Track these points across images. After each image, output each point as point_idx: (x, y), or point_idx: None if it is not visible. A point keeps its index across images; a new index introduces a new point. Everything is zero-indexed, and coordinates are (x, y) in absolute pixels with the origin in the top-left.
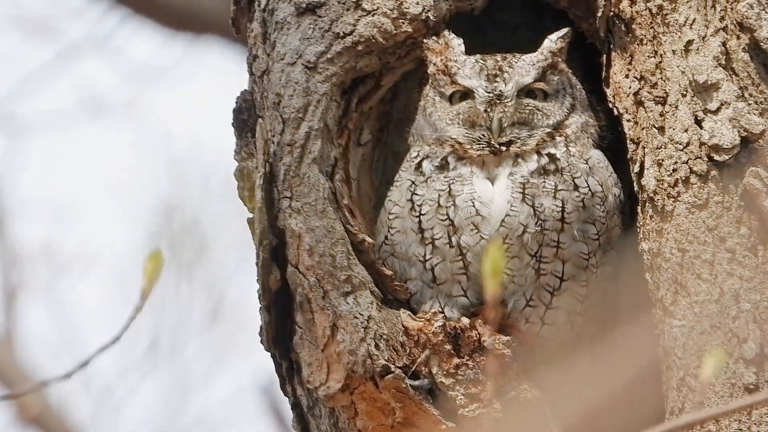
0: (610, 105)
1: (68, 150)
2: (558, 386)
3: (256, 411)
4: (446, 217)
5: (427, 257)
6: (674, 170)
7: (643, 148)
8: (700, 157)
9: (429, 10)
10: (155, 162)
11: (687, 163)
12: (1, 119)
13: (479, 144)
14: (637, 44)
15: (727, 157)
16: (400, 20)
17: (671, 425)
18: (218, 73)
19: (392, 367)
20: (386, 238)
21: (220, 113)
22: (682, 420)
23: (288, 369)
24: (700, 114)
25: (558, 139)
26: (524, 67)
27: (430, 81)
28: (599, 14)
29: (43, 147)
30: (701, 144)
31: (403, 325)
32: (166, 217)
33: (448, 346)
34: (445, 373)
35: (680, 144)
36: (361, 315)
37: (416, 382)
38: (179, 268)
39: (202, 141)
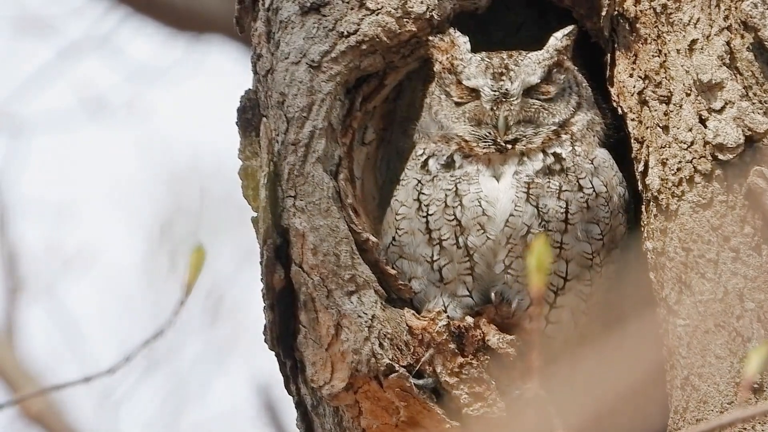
0: (615, 104)
1: (68, 150)
2: (562, 384)
3: (252, 411)
4: (453, 217)
5: (435, 258)
6: (678, 169)
7: (648, 147)
8: (704, 157)
9: (433, 9)
10: (156, 162)
11: (691, 162)
12: (1, 119)
13: (485, 142)
14: (642, 43)
15: (731, 157)
16: (404, 19)
17: (711, 425)
18: (219, 72)
19: (396, 366)
20: (394, 239)
21: (221, 112)
22: (726, 418)
23: (292, 368)
24: (705, 113)
25: (564, 137)
26: (530, 66)
27: (435, 79)
28: (603, 13)
29: (44, 147)
30: (705, 143)
31: (407, 324)
32: (167, 220)
33: (452, 345)
34: (449, 372)
35: (684, 143)
36: (365, 314)
37: (420, 381)
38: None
39: (203, 140)
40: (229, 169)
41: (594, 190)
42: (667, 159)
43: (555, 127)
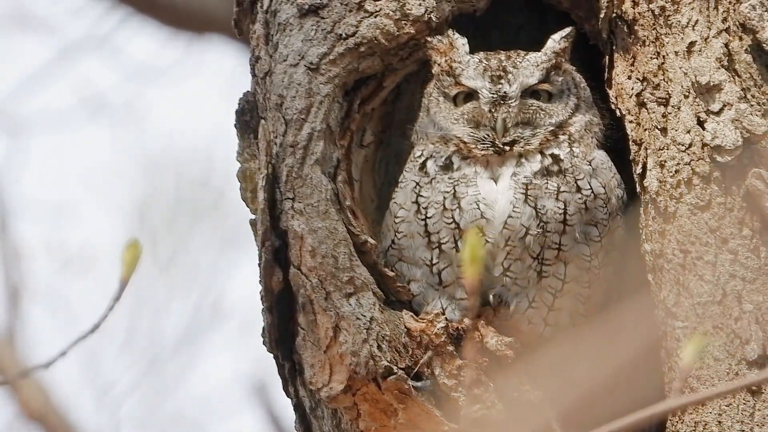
0: (613, 106)
1: (68, 150)
2: (556, 375)
3: (249, 411)
4: (452, 219)
5: (434, 261)
6: (676, 171)
7: (646, 149)
8: (702, 159)
9: (431, 12)
10: (155, 161)
11: (689, 164)
12: (1, 119)
13: (484, 144)
14: (640, 45)
15: (729, 159)
16: (403, 21)
17: (651, 411)
18: (219, 72)
19: (395, 368)
20: (393, 242)
21: (220, 112)
22: (666, 404)
23: (291, 370)
24: (703, 115)
25: (561, 138)
26: (528, 68)
27: (433, 80)
28: (602, 15)
29: (44, 147)
30: (703, 145)
31: (405, 327)
32: (147, 213)
33: (450, 348)
34: (447, 374)
35: (683, 145)
36: (364, 316)
37: (419, 384)
38: (160, 265)
39: (202, 140)
40: (228, 169)
41: (592, 192)
42: (665, 161)
43: (552, 128)
